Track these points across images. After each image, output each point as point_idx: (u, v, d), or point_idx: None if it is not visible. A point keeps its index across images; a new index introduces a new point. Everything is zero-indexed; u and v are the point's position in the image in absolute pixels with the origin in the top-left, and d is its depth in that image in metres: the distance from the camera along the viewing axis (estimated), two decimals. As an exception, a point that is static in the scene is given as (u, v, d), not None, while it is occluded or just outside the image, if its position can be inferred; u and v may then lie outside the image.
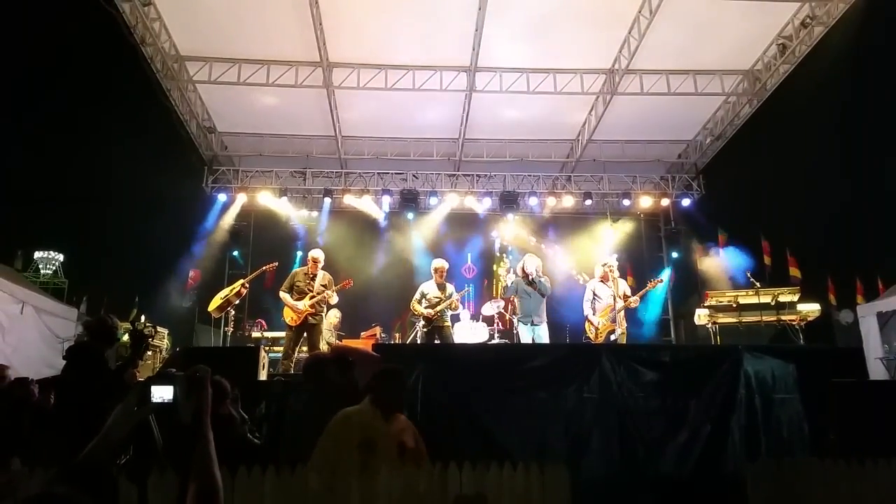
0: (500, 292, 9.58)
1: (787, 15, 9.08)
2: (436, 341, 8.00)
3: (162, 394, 1.59)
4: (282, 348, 8.08)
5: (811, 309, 8.12)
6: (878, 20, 9.08)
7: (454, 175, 12.82)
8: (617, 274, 8.10)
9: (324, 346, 7.98)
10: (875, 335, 9.19)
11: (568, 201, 12.73)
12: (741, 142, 11.96)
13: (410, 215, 12.85)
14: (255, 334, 10.49)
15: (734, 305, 8.18)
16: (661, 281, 8.83)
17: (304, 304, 7.51)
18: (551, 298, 8.54)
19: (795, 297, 8.16)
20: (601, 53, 9.90)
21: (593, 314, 8.05)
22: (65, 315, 10.53)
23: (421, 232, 12.83)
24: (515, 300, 8.22)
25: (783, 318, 7.97)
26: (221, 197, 12.40)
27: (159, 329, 10.47)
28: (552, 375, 5.15)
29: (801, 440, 5.03)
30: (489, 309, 9.71)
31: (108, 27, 8.47)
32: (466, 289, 10.13)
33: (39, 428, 4.46)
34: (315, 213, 12.98)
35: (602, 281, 8.12)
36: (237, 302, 8.58)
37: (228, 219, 12.47)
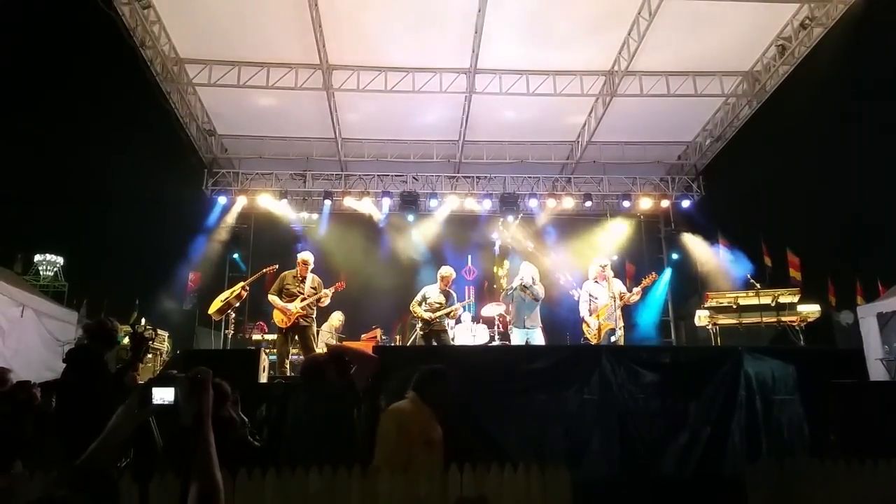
0: (501, 296, 9.61)
1: (787, 16, 9.09)
2: (433, 344, 8.01)
3: (163, 395, 1.60)
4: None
5: (811, 310, 8.11)
6: (877, 21, 9.09)
7: (454, 177, 12.83)
8: (611, 273, 8.10)
9: (322, 348, 7.98)
10: (875, 336, 9.18)
11: (568, 203, 12.74)
12: (741, 143, 11.98)
13: (410, 217, 12.85)
14: (256, 337, 10.49)
15: (734, 307, 8.17)
16: (656, 277, 8.82)
17: (295, 307, 7.50)
18: (552, 302, 8.57)
19: (795, 299, 8.15)
20: (601, 55, 9.91)
21: (590, 315, 8.05)
22: (65, 318, 10.52)
23: (421, 234, 12.84)
24: (511, 306, 8.37)
25: (783, 319, 7.95)
26: (221, 199, 12.40)
27: (159, 332, 10.46)
28: (552, 377, 5.15)
29: (801, 441, 5.03)
30: (490, 311, 9.72)
31: (107, 30, 8.49)
32: (468, 300, 10.11)
33: (41, 431, 4.46)
34: (315, 216, 12.99)
35: (596, 281, 8.12)
36: (237, 304, 8.57)
37: (228, 221, 12.48)
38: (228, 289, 8.79)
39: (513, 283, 8.30)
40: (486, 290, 12.17)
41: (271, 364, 7.71)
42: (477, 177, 12.74)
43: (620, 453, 4.87)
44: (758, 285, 8.46)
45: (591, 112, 11.37)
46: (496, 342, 9.21)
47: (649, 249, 13.53)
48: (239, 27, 9.16)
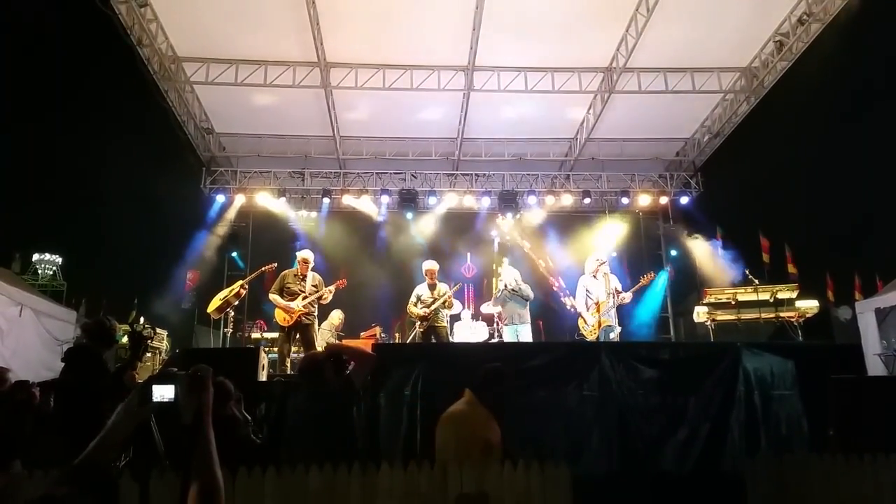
0: (493, 300, 9.65)
1: (784, 12, 9.08)
2: (432, 341, 8.07)
3: (163, 393, 1.59)
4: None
5: (809, 305, 8.13)
6: (875, 16, 9.09)
7: (453, 174, 12.83)
8: (608, 269, 8.11)
9: (321, 346, 7.98)
10: (873, 331, 9.16)
11: (567, 200, 12.76)
12: (739, 139, 11.99)
13: (409, 215, 12.85)
14: (255, 335, 10.50)
15: (733, 303, 8.18)
16: (654, 276, 8.83)
17: (297, 305, 7.51)
18: (549, 298, 8.64)
19: (794, 294, 8.16)
20: (599, 52, 9.91)
21: (587, 310, 8.05)
22: (64, 317, 10.48)
23: (420, 231, 12.83)
24: (503, 307, 8.63)
25: (782, 314, 7.97)
26: (220, 198, 12.39)
27: (158, 330, 10.47)
28: (552, 374, 5.16)
29: (800, 436, 5.05)
30: (489, 308, 9.74)
31: (104, 29, 8.47)
32: (457, 284, 10.13)
33: (40, 431, 4.46)
34: (314, 214, 12.99)
35: (594, 276, 8.13)
36: (236, 303, 8.58)
37: (227, 220, 12.47)
38: (227, 287, 8.79)
39: (500, 286, 8.64)
40: (486, 287, 12.16)
41: (271, 362, 7.71)
42: (475, 174, 12.75)
43: (620, 449, 4.89)
44: (756, 281, 8.47)
45: (589, 109, 11.37)
46: (496, 339, 9.24)
47: (648, 246, 13.53)
48: (236, 25, 9.14)
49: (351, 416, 4.08)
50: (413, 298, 8.37)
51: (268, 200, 12.44)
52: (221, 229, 12.49)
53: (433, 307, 8.16)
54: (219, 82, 10.01)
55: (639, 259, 12.83)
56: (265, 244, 12.35)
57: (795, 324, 7.90)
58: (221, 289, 9.01)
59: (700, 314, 8.28)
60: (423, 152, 12.32)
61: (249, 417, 4.37)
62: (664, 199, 12.98)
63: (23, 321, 9.06)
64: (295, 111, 11.20)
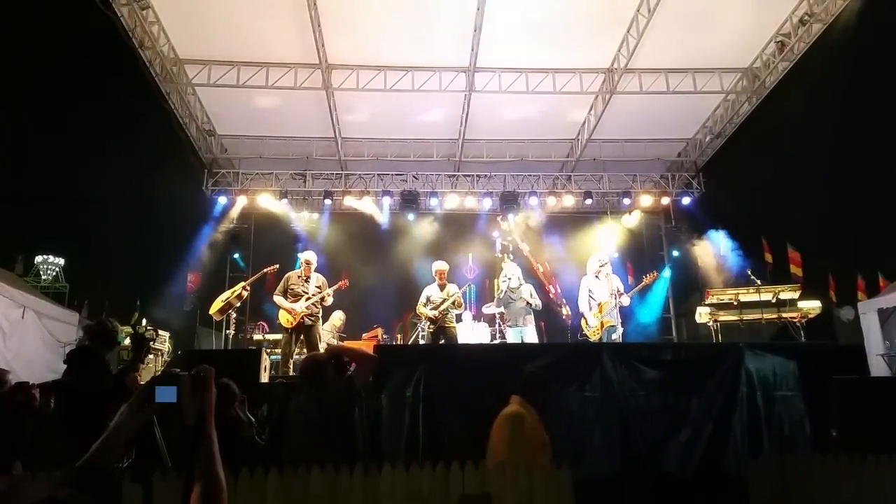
0: (495, 301, 9.65)
1: (786, 12, 9.08)
2: (441, 342, 8.05)
3: (165, 394, 1.59)
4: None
5: (812, 306, 8.11)
6: (877, 17, 9.08)
7: (454, 176, 12.83)
8: (610, 269, 8.10)
9: (323, 348, 7.98)
10: (876, 331, 9.16)
11: (568, 201, 12.75)
12: (741, 139, 11.97)
13: (411, 216, 12.85)
14: (257, 337, 10.50)
15: (735, 303, 8.16)
16: (657, 276, 8.81)
17: (301, 306, 7.52)
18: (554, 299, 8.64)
19: (796, 295, 8.15)
20: (600, 53, 9.90)
21: (589, 310, 8.04)
22: (66, 319, 10.51)
23: (422, 233, 12.83)
24: (506, 308, 8.61)
25: (784, 315, 7.95)
26: (221, 199, 12.40)
27: (160, 332, 10.48)
28: (554, 375, 5.13)
29: (802, 437, 5.03)
30: (491, 309, 9.74)
31: (106, 31, 8.49)
32: (467, 285, 10.13)
33: (40, 432, 4.46)
34: (315, 215, 13.00)
35: (597, 276, 8.12)
36: (238, 304, 8.58)
37: (228, 221, 12.49)
38: (229, 289, 8.80)
39: (502, 286, 8.60)
40: (488, 288, 12.15)
41: (273, 364, 7.71)
42: (477, 175, 12.74)
43: (622, 451, 4.88)
44: (758, 281, 8.45)
45: (590, 109, 11.36)
46: (497, 340, 9.24)
47: (650, 247, 13.52)
48: (237, 27, 9.15)
49: (352, 417, 4.08)
50: (423, 299, 8.30)
51: (269, 202, 12.46)
52: (223, 231, 12.50)
53: (442, 308, 8.10)
54: (220, 84, 10.02)
55: (641, 260, 12.80)
56: (267, 246, 12.37)
57: (798, 324, 7.89)
58: (223, 290, 9.01)
59: (702, 315, 8.27)
60: (424, 154, 12.32)
61: (254, 419, 4.37)
62: (666, 200, 12.96)
63: (25, 323, 9.08)
64: (296, 113, 11.21)
